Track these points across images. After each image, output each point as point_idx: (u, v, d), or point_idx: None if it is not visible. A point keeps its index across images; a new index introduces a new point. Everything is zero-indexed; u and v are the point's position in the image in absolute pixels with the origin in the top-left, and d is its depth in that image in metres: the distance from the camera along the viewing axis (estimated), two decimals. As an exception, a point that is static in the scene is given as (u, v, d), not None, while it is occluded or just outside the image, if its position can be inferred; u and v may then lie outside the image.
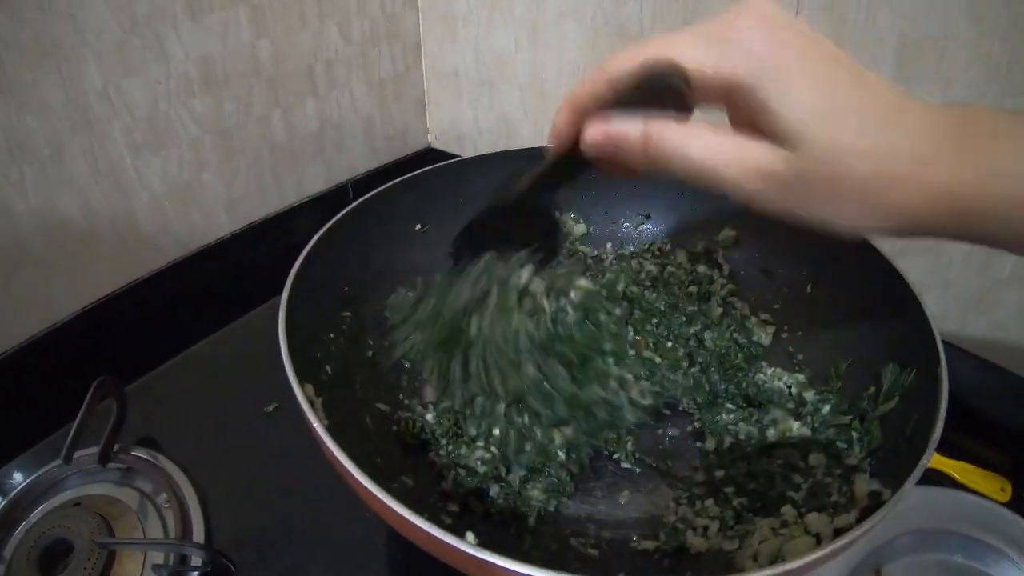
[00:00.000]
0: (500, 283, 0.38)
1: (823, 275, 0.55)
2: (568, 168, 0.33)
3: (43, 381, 0.61)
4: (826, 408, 0.48)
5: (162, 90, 0.65)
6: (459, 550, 0.28)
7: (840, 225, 0.25)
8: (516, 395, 0.38)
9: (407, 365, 0.53)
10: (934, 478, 0.56)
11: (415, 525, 0.29)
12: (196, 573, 0.48)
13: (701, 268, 0.61)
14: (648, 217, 0.66)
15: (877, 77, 0.24)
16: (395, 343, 0.41)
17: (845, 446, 0.44)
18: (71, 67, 0.57)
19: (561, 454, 0.47)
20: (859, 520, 0.33)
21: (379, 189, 0.54)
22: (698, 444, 0.52)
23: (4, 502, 0.52)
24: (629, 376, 0.39)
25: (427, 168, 0.57)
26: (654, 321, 0.58)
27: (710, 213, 0.62)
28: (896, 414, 0.42)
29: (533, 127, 0.88)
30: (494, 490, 0.46)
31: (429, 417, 0.51)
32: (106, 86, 0.60)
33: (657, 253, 0.63)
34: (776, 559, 0.37)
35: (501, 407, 0.38)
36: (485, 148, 0.94)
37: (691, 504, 0.46)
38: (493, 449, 0.48)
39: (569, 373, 0.38)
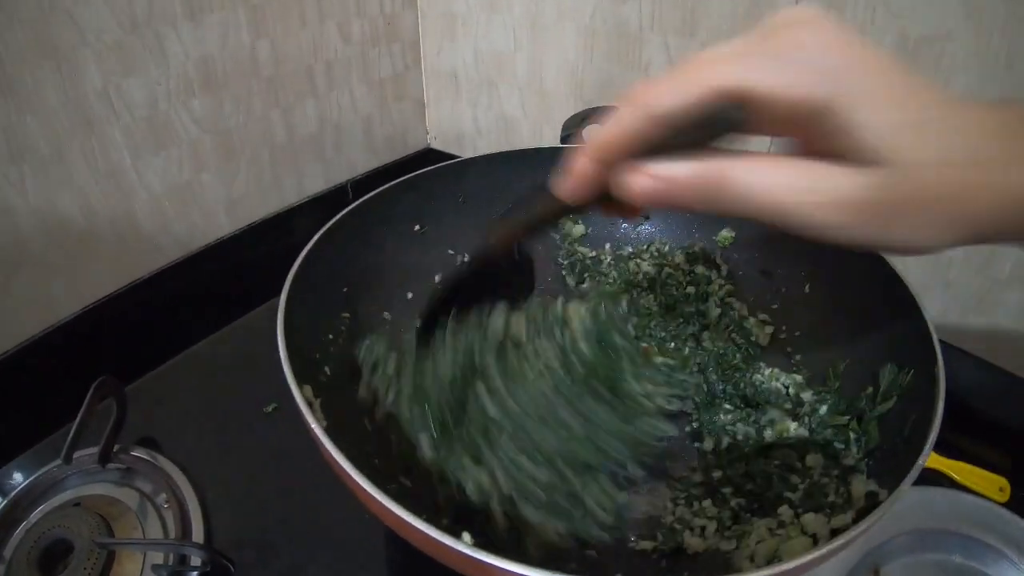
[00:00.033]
0: (480, 340, 0.36)
1: (821, 275, 0.55)
2: (564, 212, 0.30)
3: (43, 381, 0.61)
4: (824, 408, 0.48)
5: (162, 90, 0.65)
6: (456, 551, 0.28)
7: (919, 245, 0.23)
8: (558, 453, 0.35)
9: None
10: (933, 478, 0.56)
11: (412, 526, 0.29)
12: (195, 573, 0.48)
13: (699, 269, 0.61)
14: (647, 218, 0.66)
15: (932, 82, 0.23)
16: (383, 402, 0.39)
17: (842, 447, 0.44)
18: (71, 67, 0.57)
19: (590, 501, 0.39)
20: (855, 520, 0.33)
21: (378, 190, 0.54)
22: (696, 444, 0.52)
23: (4, 502, 0.52)
24: (650, 387, 0.38)
25: (426, 169, 0.57)
26: (652, 324, 0.58)
27: (709, 214, 0.62)
28: (894, 414, 0.42)
29: (532, 126, 0.88)
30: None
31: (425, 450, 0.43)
32: (106, 86, 0.60)
33: (655, 254, 0.64)
34: (773, 559, 0.37)
35: (535, 468, 0.35)
36: (484, 148, 0.94)
37: (689, 504, 0.46)
38: (500, 481, 0.39)
39: (608, 407, 0.36)
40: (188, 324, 0.72)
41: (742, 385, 0.53)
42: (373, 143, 0.92)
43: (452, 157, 0.64)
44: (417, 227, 0.58)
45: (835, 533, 0.34)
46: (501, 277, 0.38)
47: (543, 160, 0.62)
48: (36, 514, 0.51)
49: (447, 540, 0.29)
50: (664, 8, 0.68)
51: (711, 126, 0.23)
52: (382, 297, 0.56)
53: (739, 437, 0.50)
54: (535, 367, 0.36)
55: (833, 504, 0.40)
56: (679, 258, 0.62)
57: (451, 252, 0.61)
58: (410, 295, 0.58)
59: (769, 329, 0.57)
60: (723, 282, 0.60)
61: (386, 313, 0.55)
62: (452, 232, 0.60)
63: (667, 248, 0.64)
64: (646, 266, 0.62)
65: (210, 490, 0.54)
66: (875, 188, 0.22)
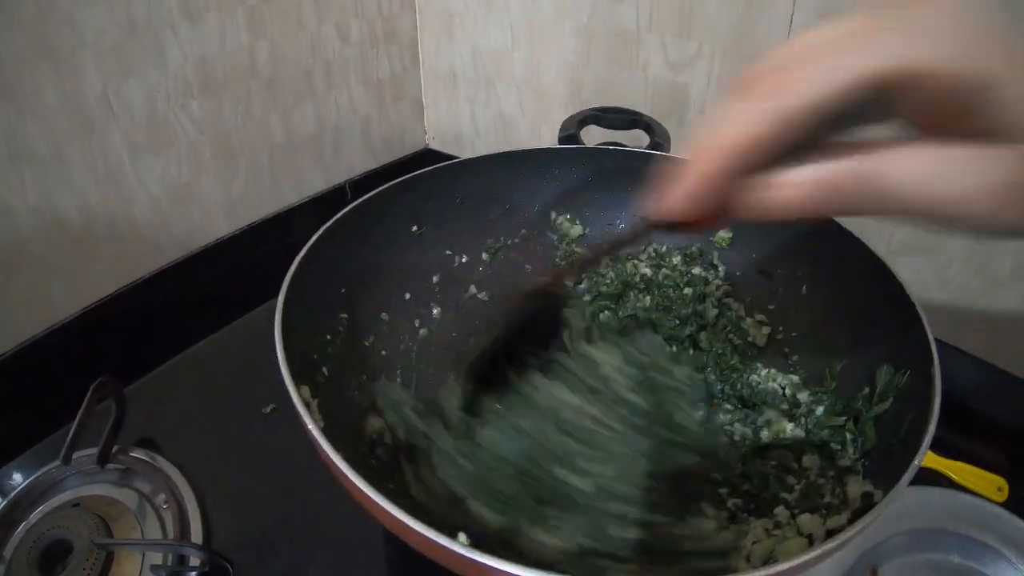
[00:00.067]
0: (538, 419, 0.35)
1: (818, 276, 0.55)
2: (653, 232, 0.25)
3: (43, 381, 0.61)
4: (820, 409, 0.48)
5: (161, 92, 0.65)
6: (452, 551, 0.29)
7: None
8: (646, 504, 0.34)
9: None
10: (931, 478, 0.56)
11: (408, 527, 0.29)
12: (194, 573, 0.48)
13: (696, 270, 0.61)
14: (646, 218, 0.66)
15: None
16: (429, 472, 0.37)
17: (839, 447, 0.44)
18: (70, 69, 0.57)
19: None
20: (851, 521, 0.33)
21: (377, 190, 0.54)
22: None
23: (4, 502, 0.52)
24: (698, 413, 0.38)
25: (425, 169, 0.57)
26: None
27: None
28: (890, 415, 0.42)
29: (530, 126, 0.89)
30: None
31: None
32: (105, 88, 0.60)
33: (652, 255, 0.64)
34: (769, 560, 0.37)
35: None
36: (483, 148, 0.94)
37: (686, 504, 0.46)
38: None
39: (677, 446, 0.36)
40: (187, 325, 0.72)
41: (739, 386, 0.53)
42: (371, 144, 0.92)
43: (450, 157, 0.64)
44: (415, 228, 0.58)
45: (831, 534, 0.34)
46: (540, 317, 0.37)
47: (542, 161, 0.62)
48: (35, 514, 0.52)
49: (443, 540, 0.29)
50: (661, 8, 0.68)
51: (852, 119, 0.19)
52: (380, 298, 0.56)
53: (736, 437, 0.50)
54: (603, 435, 0.35)
55: (829, 505, 0.40)
56: (676, 259, 0.62)
57: (449, 252, 0.61)
58: (408, 296, 0.58)
59: (766, 330, 0.57)
60: (720, 283, 0.60)
61: (384, 314, 0.56)
62: (450, 233, 0.60)
63: (664, 249, 0.64)
64: (643, 267, 0.62)
65: (209, 491, 0.54)
66: None
